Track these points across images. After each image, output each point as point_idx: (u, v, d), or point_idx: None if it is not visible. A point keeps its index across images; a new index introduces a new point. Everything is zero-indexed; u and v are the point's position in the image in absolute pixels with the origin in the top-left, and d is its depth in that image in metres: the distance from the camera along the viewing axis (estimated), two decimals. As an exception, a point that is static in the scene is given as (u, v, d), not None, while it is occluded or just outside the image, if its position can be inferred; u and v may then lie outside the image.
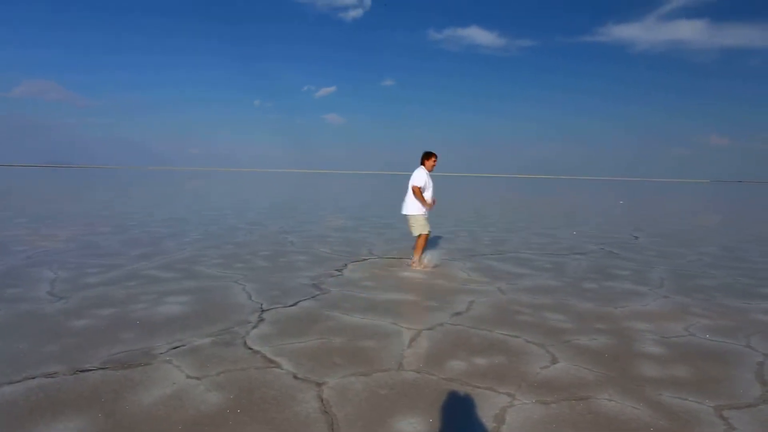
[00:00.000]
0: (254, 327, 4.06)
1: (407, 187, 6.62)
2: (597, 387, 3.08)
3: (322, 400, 2.82)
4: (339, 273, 6.26)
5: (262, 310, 4.53)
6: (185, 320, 4.21)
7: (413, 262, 6.71)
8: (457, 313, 4.59)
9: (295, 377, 3.12)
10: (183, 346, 3.60)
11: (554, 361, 3.49)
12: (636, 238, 10.63)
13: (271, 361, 3.37)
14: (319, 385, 3.02)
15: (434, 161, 6.66)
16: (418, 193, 6.48)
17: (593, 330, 4.21)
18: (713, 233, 12.06)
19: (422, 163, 6.66)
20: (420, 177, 6.49)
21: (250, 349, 3.58)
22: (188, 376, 3.09)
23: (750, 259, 8.07)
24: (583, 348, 3.77)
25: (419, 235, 6.61)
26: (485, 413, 2.73)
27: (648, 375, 3.29)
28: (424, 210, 6.58)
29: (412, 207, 6.60)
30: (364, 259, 7.24)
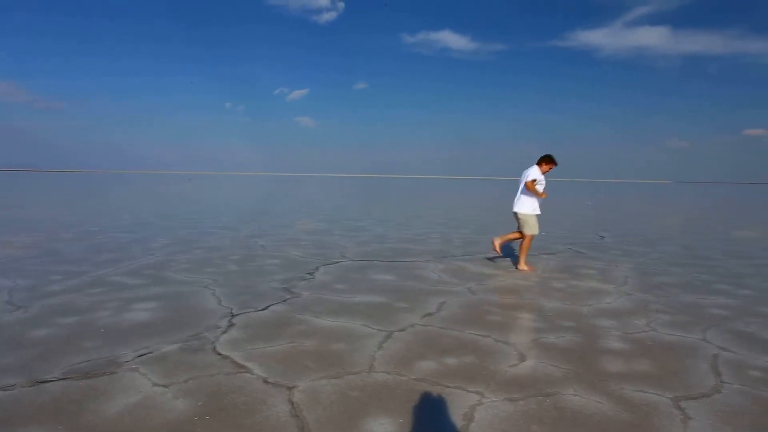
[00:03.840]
0: (224, 332, 4.02)
1: (520, 185, 6.79)
2: (563, 383, 3.17)
3: (292, 404, 2.81)
4: (311, 276, 6.24)
5: (233, 315, 4.48)
6: (152, 327, 4.12)
7: (523, 266, 6.80)
8: (428, 314, 4.63)
9: (266, 382, 3.10)
10: (150, 353, 3.53)
11: (522, 359, 3.57)
12: (602, 237, 10.92)
13: (241, 366, 3.34)
14: (289, 388, 3.01)
15: (551, 167, 6.78)
16: (532, 186, 6.57)
17: (560, 328, 4.32)
18: (674, 232, 12.49)
19: (539, 164, 6.77)
20: (535, 172, 6.64)
21: (220, 354, 3.54)
22: (155, 384, 3.03)
23: (708, 257, 8.40)
24: (550, 346, 3.86)
25: (531, 235, 6.75)
26: (455, 412, 2.77)
27: (611, 370, 3.40)
28: (538, 211, 6.74)
29: (526, 206, 6.73)
30: (336, 262, 7.23)
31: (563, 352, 3.74)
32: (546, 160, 6.76)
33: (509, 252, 8.48)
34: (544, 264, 7.42)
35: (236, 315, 4.50)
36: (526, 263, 6.91)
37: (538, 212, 6.79)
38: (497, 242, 7.07)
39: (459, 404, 2.86)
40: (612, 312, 4.85)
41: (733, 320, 4.63)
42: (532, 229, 6.77)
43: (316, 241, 9.39)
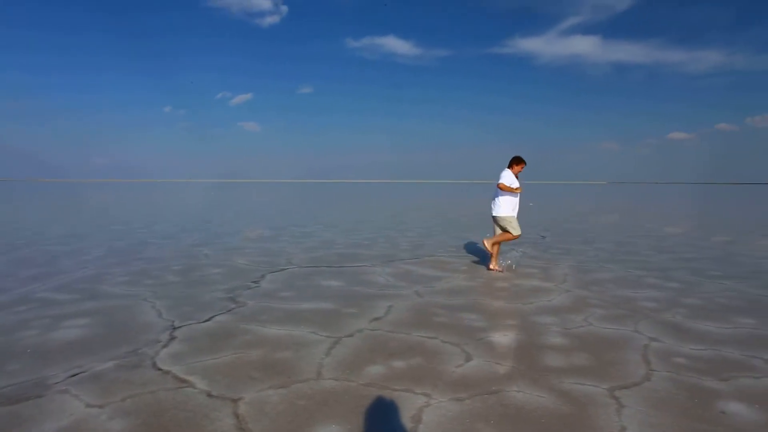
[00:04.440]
0: (164, 346, 3.85)
1: (494, 191, 7.02)
2: (507, 380, 3.26)
3: (237, 417, 2.74)
4: (256, 285, 6.10)
5: (174, 328, 4.31)
6: (85, 345, 3.89)
7: (494, 266, 7.03)
8: (376, 319, 4.64)
9: (209, 395, 3.00)
10: (83, 372, 3.33)
11: (468, 359, 3.64)
12: (543, 237, 11.35)
13: (182, 380, 3.21)
14: (234, 401, 2.93)
15: (522, 167, 7.04)
16: (504, 187, 6.83)
17: (504, 326, 4.45)
18: (609, 230, 13.17)
19: (510, 167, 7.01)
20: (507, 176, 6.90)
21: (160, 369, 3.39)
22: (88, 405, 2.86)
23: (639, 253, 8.92)
24: (495, 344, 3.97)
25: (509, 234, 6.95)
26: (403, 414, 2.79)
27: (552, 365, 3.53)
28: (515, 212, 6.97)
29: (504, 209, 6.96)
30: (283, 269, 7.11)
31: (507, 349, 3.85)
32: (516, 161, 7.05)
33: (456, 254, 8.65)
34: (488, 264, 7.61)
35: (178, 328, 4.32)
36: (498, 263, 7.17)
37: (515, 214, 7.03)
38: (488, 243, 7.22)
39: (407, 406, 2.88)
40: (553, 309, 5.05)
41: (661, 312, 4.94)
42: (515, 229, 7.00)
43: (262, 249, 9.20)
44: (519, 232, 7.02)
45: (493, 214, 7.12)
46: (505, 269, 7.13)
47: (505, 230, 7.08)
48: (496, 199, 7.05)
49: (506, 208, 6.98)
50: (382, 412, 2.84)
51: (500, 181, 6.91)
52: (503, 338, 4.12)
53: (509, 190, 6.90)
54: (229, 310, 4.90)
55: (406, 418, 2.74)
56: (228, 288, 5.88)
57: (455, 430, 2.63)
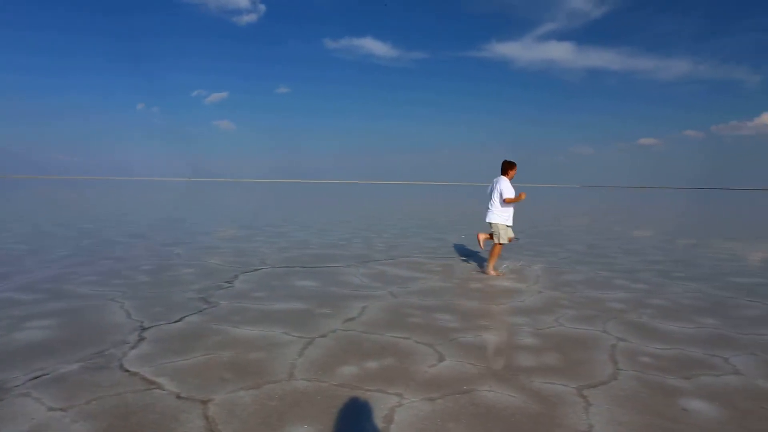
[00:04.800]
0: (133, 347, 3.76)
1: (489, 198, 7.09)
2: (479, 380, 3.29)
3: (207, 419, 2.69)
4: (229, 285, 6.02)
5: (143, 329, 4.22)
6: (49, 346, 3.78)
7: (491, 271, 7.02)
8: (350, 319, 4.64)
9: (179, 397, 2.95)
10: (45, 375, 3.23)
11: (441, 359, 3.67)
12: (517, 239, 11.51)
13: (151, 382, 3.14)
14: (204, 402, 2.88)
15: (515, 170, 7.14)
16: (511, 200, 6.91)
17: (477, 327, 4.49)
18: (581, 232, 13.46)
19: (505, 173, 7.09)
20: (509, 189, 6.94)
21: (128, 371, 3.31)
22: (51, 409, 2.77)
23: (608, 255, 9.13)
24: (467, 344, 4.01)
25: (501, 243, 7.02)
26: (375, 415, 2.79)
27: (523, 365, 3.59)
28: (510, 222, 7.08)
29: (499, 216, 7.02)
30: (257, 270, 7.04)
31: (480, 349, 3.89)
32: (509, 167, 7.13)
33: (431, 255, 8.70)
34: (464, 265, 7.70)
35: (147, 328, 4.23)
36: (495, 269, 7.15)
37: (510, 223, 7.12)
38: (482, 237, 7.38)
39: (379, 407, 2.88)
40: (525, 309, 5.13)
41: (628, 312, 5.07)
42: (500, 238, 7.04)
43: (236, 249, 9.08)
44: (503, 242, 7.06)
45: (488, 220, 7.17)
46: (503, 274, 7.13)
47: (495, 238, 7.11)
48: (493, 207, 7.06)
49: (500, 216, 7.03)
50: (354, 412, 2.84)
51: (506, 196, 6.92)
52: (476, 338, 4.16)
53: (516, 201, 6.97)
54: (201, 311, 4.82)
55: (377, 418, 2.75)
56: (200, 288, 5.79)
57: (426, 429, 2.64)
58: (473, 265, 7.81)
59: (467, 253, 9.02)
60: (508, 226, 7.09)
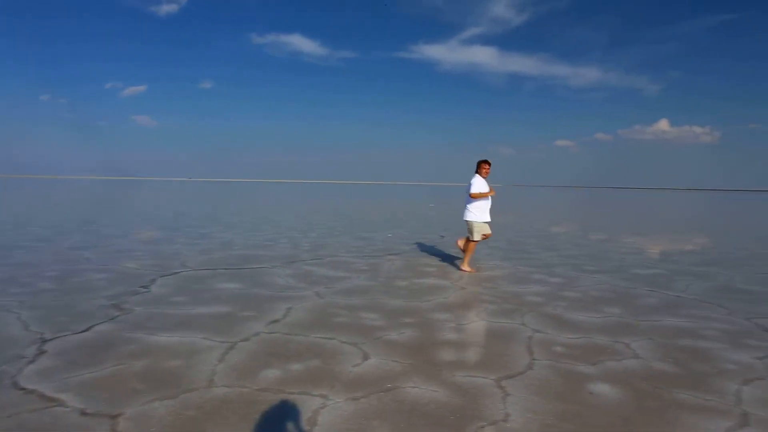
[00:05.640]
0: (31, 362, 3.44)
1: (466, 198, 7.21)
2: (403, 377, 3.34)
3: (116, 435, 2.52)
4: (145, 290, 5.68)
5: (43, 341, 3.87)
6: (-71, 365, 3.36)
7: (465, 267, 7.24)
8: (274, 321, 4.53)
9: (84, 413, 2.73)
10: (-77, 397, 2.88)
11: (366, 358, 3.68)
12: (442, 237, 11.83)
13: (51, 399, 2.89)
14: (113, 417, 2.70)
15: (488, 168, 7.26)
16: (479, 195, 7.06)
17: (402, 324, 4.55)
18: (502, 230, 14.04)
19: (478, 171, 7.22)
20: (478, 184, 7.10)
21: (23, 389, 3.02)
22: (-71, 435, 2.47)
23: (528, 251, 9.61)
24: (392, 342, 4.05)
25: (474, 241, 7.17)
26: (298, 417, 2.74)
27: (446, 359, 3.68)
28: (485, 218, 7.17)
29: (471, 214, 7.16)
30: (176, 273, 6.70)
31: (404, 347, 3.95)
32: (480, 164, 7.28)
33: (358, 254, 8.72)
34: (390, 264, 7.78)
35: (48, 340, 3.89)
36: (469, 265, 7.33)
37: (487, 219, 7.23)
38: (461, 243, 7.48)
39: (303, 409, 2.84)
40: (449, 306, 5.27)
41: (544, 305, 5.35)
42: (474, 235, 7.18)
43: (154, 251, 8.59)
44: (477, 239, 7.22)
45: (464, 219, 7.33)
46: (475, 270, 7.34)
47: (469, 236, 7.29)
48: (467, 205, 7.26)
49: (473, 214, 7.18)
50: (277, 416, 2.78)
51: (471, 191, 7.13)
52: (400, 336, 4.21)
53: (483, 196, 7.14)
54: (112, 319, 4.51)
55: (301, 421, 2.70)
56: (112, 294, 5.41)
57: (350, 429, 2.64)
58: (399, 263, 7.92)
59: (394, 252, 9.13)
60: (485, 223, 7.27)
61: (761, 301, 5.76)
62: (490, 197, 7.26)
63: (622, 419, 2.81)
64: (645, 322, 4.74)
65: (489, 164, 7.37)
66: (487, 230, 7.35)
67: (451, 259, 8.32)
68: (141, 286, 5.84)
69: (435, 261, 8.18)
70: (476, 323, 4.66)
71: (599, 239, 12.26)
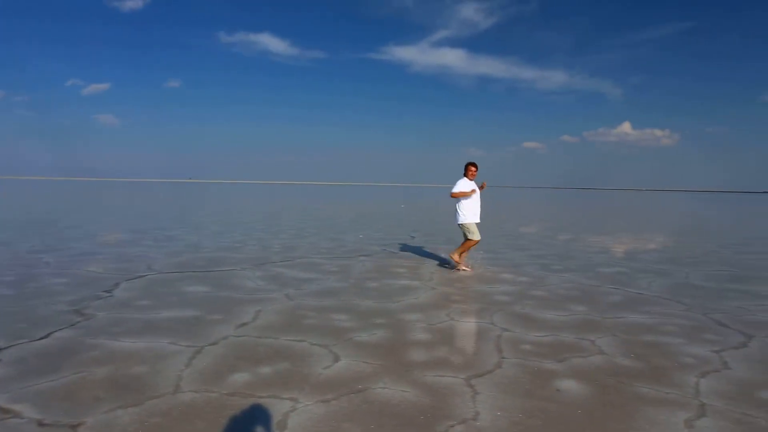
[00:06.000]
0: (-16, 372, 3.30)
1: (455, 201, 7.35)
2: (373, 378, 3.33)
3: (76, 445, 2.43)
4: (108, 294, 5.51)
5: (-2, 350, 3.71)
6: None
7: (459, 266, 7.37)
8: (243, 324, 4.47)
9: (41, 424, 2.63)
10: None
11: (336, 359, 3.66)
12: (413, 237, 11.88)
13: (6, 410, 2.77)
14: (73, 427, 2.60)
15: (474, 169, 7.37)
16: (458, 195, 7.22)
17: (373, 325, 4.55)
18: (472, 230, 14.21)
19: (465, 174, 7.35)
20: (459, 185, 7.27)
21: (-24, 400, 2.89)
22: None
23: (497, 251, 9.75)
24: (363, 343, 4.04)
25: (469, 240, 7.29)
26: (268, 421, 2.71)
27: (416, 359, 3.70)
28: (477, 219, 7.33)
29: (463, 216, 7.32)
30: (141, 276, 6.52)
31: (375, 348, 3.95)
32: (468, 167, 7.41)
33: (329, 256, 8.67)
34: (361, 265, 7.77)
35: (3, 349, 3.73)
36: (464, 264, 7.47)
37: (477, 220, 7.37)
38: (456, 257, 7.47)
39: (273, 413, 2.80)
40: (419, 306, 5.29)
41: (513, 304, 5.44)
42: (474, 234, 7.30)
43: (118, 254, 8.35)
44: (478, 237, 7.37)
45: (457, 223, 7.44)
46: (472, 268, 7.49)
47: (466, 237, 7.38)
48: (457, 208, 7.39)
49: (465, 215, 7.33)
50: (246, 421, 2.73)
51: (452, 191, 7.31)
52: (371, 337, 4.21)
53: (462, 195, 7.26)
54: (73, 324, 4.36)
55: (271, 425, 2.67)
56: (73, 299, 5.23)
57: (320, 431, 2.62)
58: (370, 264, 7.92)
59: (365, 253, 9.12)
60: (476, 223, 7.39)
61: (717, 297, 6.00)
62: (479, 199, 7.43)
63: (587, 414, 2.88)
64: (609, 320, 4.88)
65: (476, 167, 7.49)
66: (476, 231, 7.49)
67: (422, 260, 8.37)
68: (104, 291, 5.66)
69: (406, 262, 8.21)
70: (446, 323, 4.69)
71: (566, 239, 12.54)
